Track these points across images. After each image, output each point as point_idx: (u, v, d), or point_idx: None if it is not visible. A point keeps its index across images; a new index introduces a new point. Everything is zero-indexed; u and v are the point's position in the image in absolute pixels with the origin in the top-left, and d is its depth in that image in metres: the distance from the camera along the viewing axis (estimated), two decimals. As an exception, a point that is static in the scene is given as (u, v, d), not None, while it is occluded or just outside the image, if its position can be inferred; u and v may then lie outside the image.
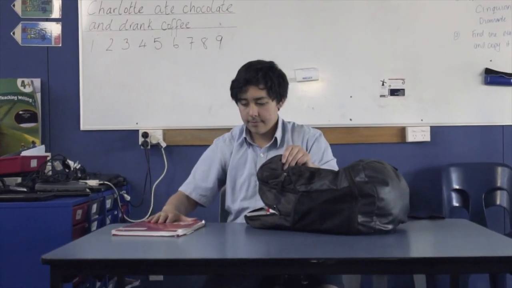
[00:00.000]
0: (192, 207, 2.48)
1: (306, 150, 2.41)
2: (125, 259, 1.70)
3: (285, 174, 1.93)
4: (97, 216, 3.18)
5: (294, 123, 2.55)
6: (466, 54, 3.69)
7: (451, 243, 1.84)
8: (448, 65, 3.68)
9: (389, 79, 3.68)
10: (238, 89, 2.33)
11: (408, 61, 3.69)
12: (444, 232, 2.04)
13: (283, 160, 2.05)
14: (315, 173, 1.93)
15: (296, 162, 2.05)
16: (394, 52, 3.69)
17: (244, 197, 2.43)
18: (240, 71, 2.37)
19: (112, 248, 1.93)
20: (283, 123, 2.51)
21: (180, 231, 1.95)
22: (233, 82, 2.37)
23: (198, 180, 2.49)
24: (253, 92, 2.31)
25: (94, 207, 3.12)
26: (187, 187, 2.50)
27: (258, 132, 2.41)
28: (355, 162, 1.90)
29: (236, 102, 2.41)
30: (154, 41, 3.69)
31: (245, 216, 2.12)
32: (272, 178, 1.97)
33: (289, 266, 1.61)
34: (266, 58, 2.47)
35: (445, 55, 3.68)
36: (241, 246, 1.96)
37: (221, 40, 3.69)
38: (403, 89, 3.68)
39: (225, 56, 3.66)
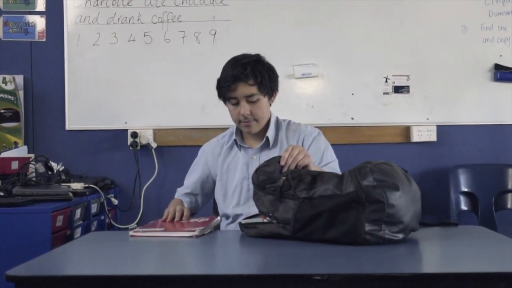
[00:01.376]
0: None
1: None
2: (105, 275, 1.47)
3: (283, 178, 1.76)
4: (81, 222, 2.99)
5: (290, 121, 2.39)
6: (474, 49, 3.55)
7: (473, 255, 1.64)
8: (456, 61, 3.54)
9: (393, 75, 3.53)
10: (226, 88, 2.17)
11: (413, 57, 3.54)
12: (460, 242, 1.83)
13: (282, 163, 1.87)
14: (317, 177, 1.75)
15: (297, 165, 1.88)
16: (398, 47, 3.54)
17: (237, 204, 2.28)
18: (225, 68, 2.22)
19: (91, 260, 1.72)
20: (277, 121, 2.35)
21: (198, 231, 1.85)
22: (220, 80, 2.22)
23: (185, 188, 2.44)
24: (243, 89, 2.16)
25: (78, 212, 2.92)
26: (178, 194, 2.46)
27: (251, 132, 2.26)
28: (361, 164, 1.71)
29: (225, 102, 2.26)
30: (144, 36, 3.54)
31: (240, 224, 1.93)
32: (269, 182, 1.80)
33: (289, 283, 1.40)
34: (263, 53, 2.32)
35: (452, 50, 3.54)
36: (234, 259, 1.74)
37: (215, 34, 3.53)
38: (408, 86, 3.54)
39: (219, 51, 3.47)
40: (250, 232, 1.86)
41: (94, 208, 3.17)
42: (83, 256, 1.78)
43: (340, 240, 1.65)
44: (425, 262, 1.66)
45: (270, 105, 2.31)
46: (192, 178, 2.39)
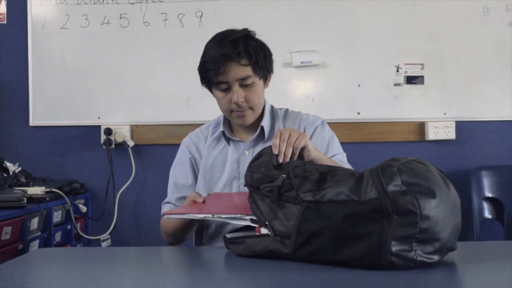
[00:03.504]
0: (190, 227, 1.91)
1: None
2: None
3: (283, 176, 1.39)
4: (39, 234, 2.57)
5: (287, 109, 2.04)
6: (498, 34, 3.27)
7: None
8: (477, 47, 3.27)
9: (405, 64, 3.27)
10: (214, 71, 1.80)
11: (428, 43, 3.28)
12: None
13: (275, 151, 1.52)
14: (327, 175, 1.36)
15: (293, 151, 1.54)
16: (411, 32, 3.27)
17: None
18: (210, 47, 1.85)
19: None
20: (272, 109, 2.01)
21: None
22: (204, 62, 1.86)
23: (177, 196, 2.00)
24: (236, 71, 1.80)
25: (34, 222, 2.52)
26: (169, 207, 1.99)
27: (245, 123, 1.90)
28: (386, 161, 1.32)
29: (211, 89, 1.90)
30: (120, 18, 3.23)
31: (224, 238, 1.51)
32: (265, 181, 1.43)
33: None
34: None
35: (472, 35, 3.28)
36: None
37: (201, 16, 3.22)
38: (422, 77, 3.28)
39: (206, 36, 2.98)
40: (237, 249, 1.46)
41: (57, 216, 2.77)
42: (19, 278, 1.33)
43: (357, 262, 1.28)
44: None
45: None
46: (186, 181, 1.98)
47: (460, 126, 3.27)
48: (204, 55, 1.86)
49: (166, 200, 2.00)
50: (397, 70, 3.26)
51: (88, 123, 3.21)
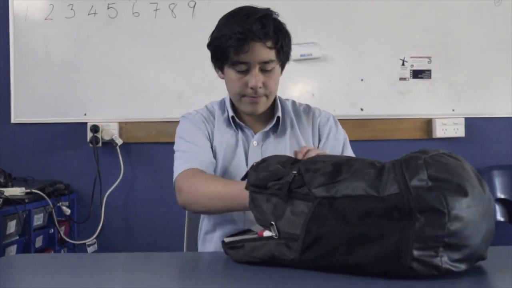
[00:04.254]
0: None
1: (317, 140, 1.83)
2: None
3: (294, 172, 1.24)
4: (17, 238, 2.40)
5: (294, 101, 1.89)
6: (510, 25, 3.19)
7: None
8: (487, 40, 3.20)
9: (412, 57, 3.19)
10: (236, 47, 1.61)
11: (435, 35, 3.19)
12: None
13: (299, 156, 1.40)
14: (343, 165, 1.20)
15: None
16: (418, 23, 3.19)
17: None
18: (232, 22, 1.65)
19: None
20: (280, 99, 1.85)
21: None
22: (223, 37, 1.64)
23: (201, 154, 1.71)
24: (260, 52, 1.63)
25: (12, 225, 2.34)
26: (195, 163, 1.67)
27: (256, 112, 1.72)
28: (413, 153, 1.17)
29: (222, 68, 1.71)
30: (108, 8, 3.08)
31: (223, 243, 1.35)
32: (274, 179, 1.26)
33: None
34: None
35: (483, 27, 3.20)
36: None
37: (194, 7, 3.09)
38: (429, 71, 3.20)
39: (200, 27, 2.97)
40: (236, 254, 1.30)
41: (38, 219, 2.60)
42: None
43: (371, 267, 1.12)
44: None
45: None
46: (203, 151, 1.72)
47: (470, 123, 3.19)
48: (221, 29, 1.67)
49: (186, 159, 1.68)
50: (403, 64, 3.17)
51: (74, 120, 3.06)
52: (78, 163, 3.04)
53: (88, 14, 3.05)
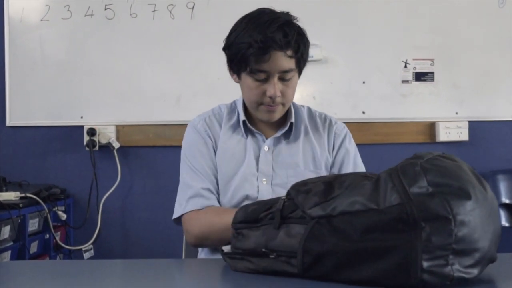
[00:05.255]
0: None
1: (332, 148, 1.81)
2: None
3: (283, 198, 1.20)
4: (11, 244, 2.35)
5: (309, 108, 1.87)
6: None
7: None
8: (491, 41, 3.15)
9: (414, 59, 3.15)
10: (257, 57, 1.58)
11: (438, 36, 3.15)
12: None
13: None
14: (334, 181, 1.16)
15: None
16: (421, 24, 3.14)
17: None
18: (253, 27, 1.60)
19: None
20: (294, 106, 1.82)
21: None
22: (243, 44, 1.60)
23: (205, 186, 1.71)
24: (281, 61, 1.61)
25: (6, 231, 2.30)
26: (197, 202, 1.67)
27: (272, 119, 1.70)
28: (407, 160, 1.12)
29: (239, 74, 1.66)
30: (105, 9, 3.03)
31: (222, 253, 1.31)
32: (263, 210, 1.23)
33: None
34: None
35: (486, 28, 3.16)
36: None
37: (193, 7, 3.05)
38: (432, 73, 3.15)
39: (199, 29, 3.04)
40: (236, 265, 1.24)
41: (33, 224, 2.55)
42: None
43: (380, 282, 1.06)
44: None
45: None
46: (212, 168, 1.73)
47: (474, 126, 3.15)
48: (240, 34, 1.62)
49: (189, 194, 1.68)
50: (405, 66, 3.13)
51: (70, 123, 3.01)
52: (75, 167, 3.00)
53: (85, 15, 3.00)
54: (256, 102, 1.66)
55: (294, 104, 1.80)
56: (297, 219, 1.12)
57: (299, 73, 1.70)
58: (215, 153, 1.73)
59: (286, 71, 1.61)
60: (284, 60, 1.60)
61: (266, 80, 1.63)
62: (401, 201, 1.01)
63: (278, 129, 1.74)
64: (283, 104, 1.67)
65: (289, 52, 1.60)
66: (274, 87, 1.61)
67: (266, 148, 1.73)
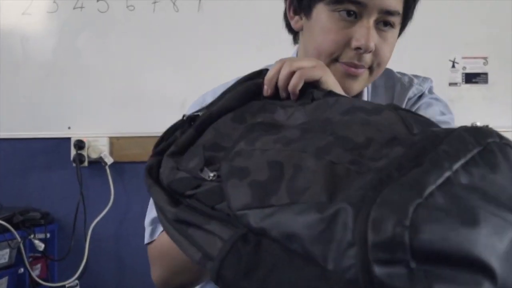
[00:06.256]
0: None
1: None
2: None
3: (211, 175, 0.79)
4: None
5: (391, 71, 1.44)
6: None
7: None
8: None
9: (464, 57, 2.85)
10: None
11: (493, 30, 2.82)
12: None
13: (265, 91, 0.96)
14: (285, 167, 0.71)
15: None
16: (472, 16, 2.84)
17: None
18: None
19: None
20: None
21: None
22: None
23: None
24: None
25: None
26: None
27: (350, 91, 1.16)
28: (394, 186, 0.63)
29: (310, 8, 1.14)
30: (97, 1, 2.79)
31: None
32: (190, 187, 0.83)
33: None
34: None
35: None
36: None
37: None
38: (486, 74, 2.86)
39: (206, 23, 2.78)
40: None
41: (2, 257, 2.22)
42: None
43: None
44: None
45: None
46: None
47: None
48: None
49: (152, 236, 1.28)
50: (453, 66, 2.85)
51: (55, 134, 2.74)
52: (59, 186, 2.69)
53: (74, 8, 2.76)
54: (330, 53, 1.12)
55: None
56: (224, 215, 0.73)
57: (401, 29, 1.23)
58: None
59: (391, 13, 1.11)
60: None
61: (352, 23, 1.12)
62: (355, 276, 0.56)
63: None
64: (371, 69, 1.16)
65: None
66: (368, 33, 1.09)
67: None
